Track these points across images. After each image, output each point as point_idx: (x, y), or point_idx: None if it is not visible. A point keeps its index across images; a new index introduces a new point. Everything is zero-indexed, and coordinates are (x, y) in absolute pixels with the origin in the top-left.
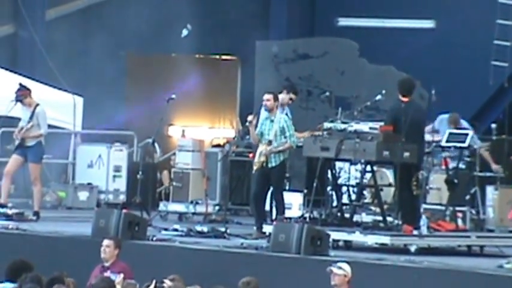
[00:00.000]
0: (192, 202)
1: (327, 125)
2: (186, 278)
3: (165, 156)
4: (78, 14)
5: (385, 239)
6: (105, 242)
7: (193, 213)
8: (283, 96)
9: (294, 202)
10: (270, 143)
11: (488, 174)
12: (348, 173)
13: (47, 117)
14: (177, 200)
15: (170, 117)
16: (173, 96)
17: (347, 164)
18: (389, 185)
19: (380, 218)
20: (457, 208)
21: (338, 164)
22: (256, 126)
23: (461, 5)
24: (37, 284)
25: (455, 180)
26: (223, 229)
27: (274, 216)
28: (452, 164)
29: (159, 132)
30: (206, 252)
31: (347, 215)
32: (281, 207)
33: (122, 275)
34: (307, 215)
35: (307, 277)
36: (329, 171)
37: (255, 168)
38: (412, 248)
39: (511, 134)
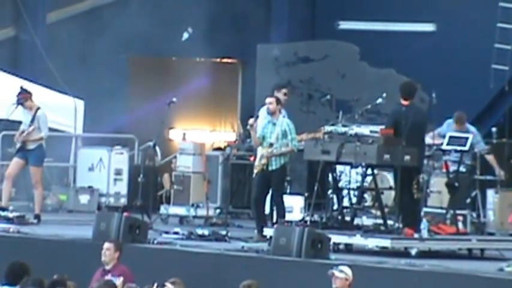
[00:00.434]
0: (193, 205)
1: (327, 128)
2: (186, 281)
3: (166, 160)
4: (79, 17)
5: (386, 242)
6: (106, 245)
7: (194, 217)
8: (279, 96)
9: (295, 205)
10: (271, 146)
11: (488, 177)
12: (349, 176)
13: (47, 120)
14: (178, 203)
15: (171, 120)
16: (174, 99)
17: (348, 167)
18: (390, 188)
19: (381, 221)
20: (458, 211)
21: (339, 168)
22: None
23: (461, 9)
24: (39, 287)
25: (456, 184)
26: (224, 232)
27: (274, 220)
28: (452, 168)
29: (160, 136)
30: (207, 255)
31: (348, 218)
32: (281, 210)
33: (121, 278)
34: (308, 218)
35: (308, 280)
36: (330, 175)
37: (255, 171)
38: (413, 251)
39: None
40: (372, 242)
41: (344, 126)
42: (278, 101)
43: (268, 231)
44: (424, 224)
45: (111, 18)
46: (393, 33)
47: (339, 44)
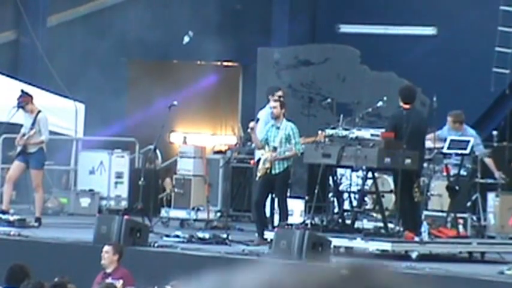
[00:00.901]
0: (193, 208)
1: (328, 131)
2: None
3: (166, 163)
4: (79, 21)
5: (387, 246)
6: (105, 248)
7: (195, 220)
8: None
9: (296, 208)
10: (275, 149)
11: (489, 180)
12: (349, 180)
13: (48, 123)
14: (179, 206)
15: (172, 123)
16: (175, 102)
17: (348, 171)
18: (391, 191)
19: (381, 224)
20: (458, 215)
21: (339, 171)
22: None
23: (462, 12)
24: None
25: (457, 187)
26: (224, 235)
27: (275, 223)
28: (453, 171)
29: (161, 139)
30: (208, 258)
31: (348, 222)
32: (284, 213)
33: (121, 281)
34: (308, 222)
35: None
36: (330, 178)
37: (259, 174)
38: (414, 255)
39: None
40: (373, 245)
41: (345, 129)
42: (282, 105)
43: (268, 235)
44: (424, 227)
45: (111, 22)
46: (394, 37)
47: (339, 47)
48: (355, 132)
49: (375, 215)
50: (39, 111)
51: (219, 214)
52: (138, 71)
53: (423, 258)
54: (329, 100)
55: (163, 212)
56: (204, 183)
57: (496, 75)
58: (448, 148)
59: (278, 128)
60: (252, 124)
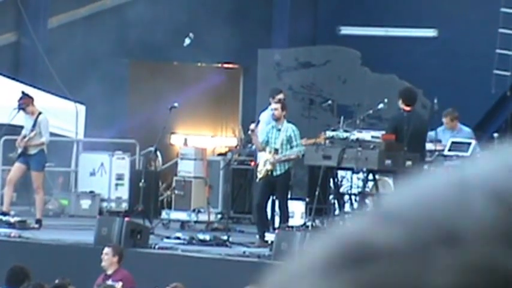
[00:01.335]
0: (194, 210)
1: (329, 133)
2: (188, 286)
3: (167, 165)
4: (80, 22)
5: None
6: (105, 249)
7: (196, 222)
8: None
9: (296, 210)
10: (276, 151)
11: None
12: (350, 182)
13: (49, 125)
14: (179, 208)
15: (172, 125)
16: (175, 104)
17: (349, 173)
18: None
19: None
20: None
21: (340, 173)
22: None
23: (463, 14)
24: None
25: None
26: (225, 237)
27: (276, 225)
28: None
29: (162, 141)
30: (208, 260)
31: None
32: (285, 215)
33: (120, 283)
34: (309, 224)
35: None
36: (331, 180)
37: (259, 176)
38: None
39: None
40: None
41: (345, 131)
42: (283, 107)
43: (269, 237)
44: None
45: (112, 23)
46: (395, 39)
47: (340, 49)
48: (356, 134)
49: None
50: (39, 113)
51: (219, 216)
52: (139, 73)
53: None
54: (330, 102)
55: (164, 214)
56: (205, 185)
57: (497, 77)
58: (449, 150)
59: (279, 129)
60: (252, 126)
